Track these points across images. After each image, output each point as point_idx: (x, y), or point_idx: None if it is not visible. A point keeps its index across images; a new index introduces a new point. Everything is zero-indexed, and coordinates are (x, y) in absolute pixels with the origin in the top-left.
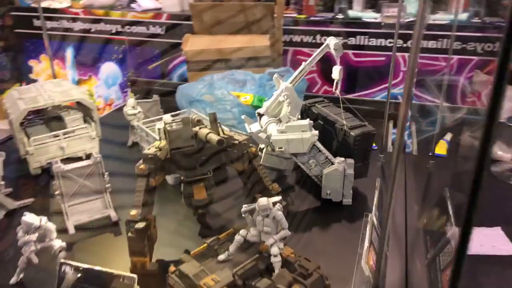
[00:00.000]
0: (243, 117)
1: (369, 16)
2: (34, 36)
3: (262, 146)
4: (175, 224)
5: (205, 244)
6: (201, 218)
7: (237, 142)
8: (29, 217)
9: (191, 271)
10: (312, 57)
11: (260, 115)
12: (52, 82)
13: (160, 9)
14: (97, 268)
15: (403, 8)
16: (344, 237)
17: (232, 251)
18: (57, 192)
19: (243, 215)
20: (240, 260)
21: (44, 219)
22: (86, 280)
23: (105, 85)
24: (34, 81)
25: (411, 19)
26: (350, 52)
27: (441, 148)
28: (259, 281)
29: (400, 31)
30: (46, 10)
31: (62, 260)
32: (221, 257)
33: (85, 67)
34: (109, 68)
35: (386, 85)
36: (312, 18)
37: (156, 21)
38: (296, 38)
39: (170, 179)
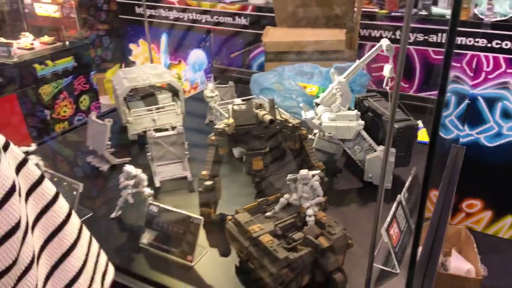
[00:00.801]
0: (301, 105)
1: None
2: (135, 22)
3: (315, 131)
4: (237, 188)
5: (256, 202)
6: (257, 185)
7: (291, 124)
8: (129, 167)
9: (243, 220)
10: (366, 56)
11: (317, 104)
12: (150, 66)
13: (246, 1)
14: (174, 209)
15: (491, 7)
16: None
17: (277, 209)
18: (148, 154)
19: (287, 182)
20: (282, 218)
21: (139, 170)
22: (164, 217)
23: (192, 70)
24: (133, 62)
25: (499, 18)
26: (430, 49)
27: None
28: (295, 234)
29: (485, 31)
30: None
31: (150, 201)
32: (268, 213)
33: (176, 52)
34: (196, 55)
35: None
36: (393, 14)
37: (242, 13)
38: (375, 33)
39: (236, 153)
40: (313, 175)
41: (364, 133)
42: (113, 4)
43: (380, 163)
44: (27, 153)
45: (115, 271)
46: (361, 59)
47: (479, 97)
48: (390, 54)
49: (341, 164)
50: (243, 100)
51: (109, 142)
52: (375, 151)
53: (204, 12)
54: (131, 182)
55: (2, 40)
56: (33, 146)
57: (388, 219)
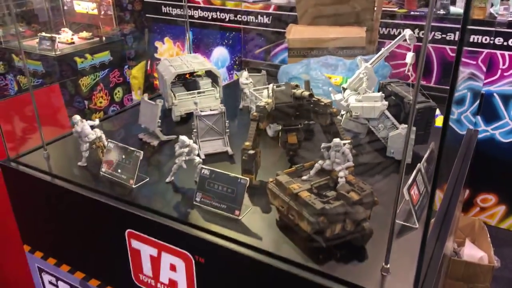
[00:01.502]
0: (330, 89)
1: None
2: (161, 20)
3: (343, 112)
4: (271, 162)
5: (294, 168)
6: (291, 157)
7: (323, 103)
8: (183, 137)
9: (283, 180)
10: (391, 44)
11: (344, 89)
12: (191, 56)
13: (269, 0)
14: (223, 171)
15: (507, 6)
16: None
17: (312, 174)
18: (194, 130)
19: (321, 150)
20: (317, 180)
21: (191, 141)
22: (215, 179)
23: (215, 66)
24: (158, 60)
25: None
26: (447, 47)
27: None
28: (328, 192)
29: (501, 29)
30: None
31: (201, 166)
32: (304, 177)
33: (200, 49)
34: (219, 52)
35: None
36: (412, 13)
37: (265, 11)
38: (394, 31)
39: (270, 132)
40: (344, 144)
41: (387, 113)
42: (137, 4)
43: (401, 140)
44: (93, 127)
45: (175, 222)
46: (386, 47)
47: (495, 94)
48: (412, 43)
49: (365, 142)
50: (277, 86)
51: (159, 120)
52: (397, 129)
53: (229, 11)
54: (186, 150)
55: (44, 34)
56: (97, 121)
57: (409, 181)
